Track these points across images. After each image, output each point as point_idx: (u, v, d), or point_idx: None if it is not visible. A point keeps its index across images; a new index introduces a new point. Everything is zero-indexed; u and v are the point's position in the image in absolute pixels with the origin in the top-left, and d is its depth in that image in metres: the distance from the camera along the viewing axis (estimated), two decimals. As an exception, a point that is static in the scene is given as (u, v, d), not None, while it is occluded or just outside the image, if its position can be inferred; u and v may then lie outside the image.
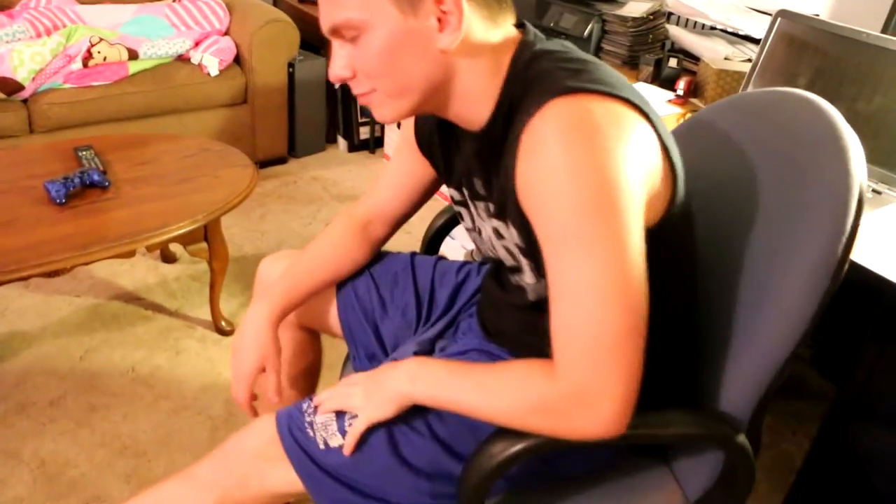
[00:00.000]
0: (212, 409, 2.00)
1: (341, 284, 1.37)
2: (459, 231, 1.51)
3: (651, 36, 2.20)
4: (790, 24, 1.75)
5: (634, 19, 2.16)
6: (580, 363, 0.88)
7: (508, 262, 1.08)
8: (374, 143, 3.56)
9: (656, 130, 0.92)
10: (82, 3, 3.09)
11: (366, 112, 3.51)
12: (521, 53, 0.95)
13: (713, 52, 2.04)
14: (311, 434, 1.09)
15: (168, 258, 2.64)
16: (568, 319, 0.88)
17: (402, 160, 1.30)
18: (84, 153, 2.17)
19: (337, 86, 3.43)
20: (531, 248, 0.97)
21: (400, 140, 1.29)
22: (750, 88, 1.80)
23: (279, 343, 1.26)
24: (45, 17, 2.94)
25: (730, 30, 2.05)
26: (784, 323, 1.02)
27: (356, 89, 0.97)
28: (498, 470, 0.98)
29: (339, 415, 1.10)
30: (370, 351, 1.37)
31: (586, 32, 2.27)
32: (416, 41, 0.91)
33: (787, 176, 1.08)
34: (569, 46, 0.99)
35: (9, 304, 2.38)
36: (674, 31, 2.18)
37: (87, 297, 2.44)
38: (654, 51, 2.20)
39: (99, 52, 2.83)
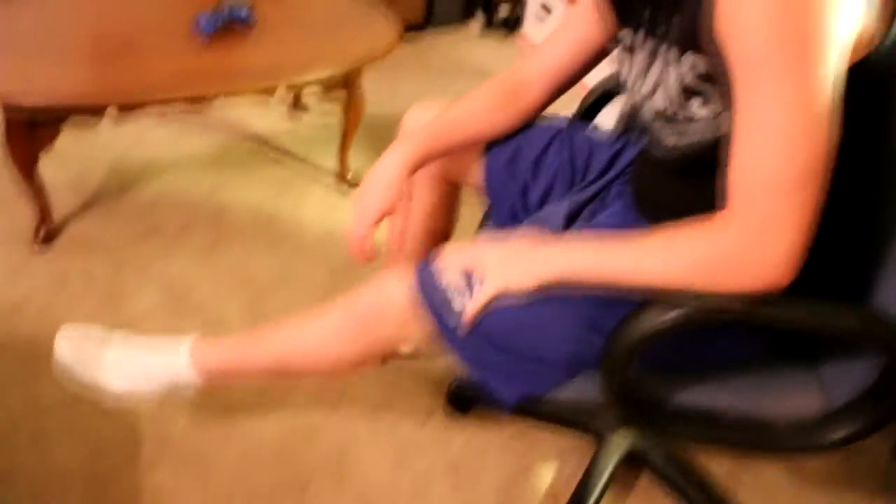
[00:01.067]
0: (331, 257, 2.02)
1: (491, 143, 1.33)
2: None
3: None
4: None
5: None
6: (756, 202, 0.85)
7: (671, 106, 0.99)
8: (513, 23, 3.44)
9: None
10: None
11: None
12: None
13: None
14: (444, 292, 1.07)
15: (300, 108, 2.64)
16: (750, 156, 0.85)
17: (572, 21, 1.22)
18: (233, -12, 2.15)
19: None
20: (715, 76, 0.91)
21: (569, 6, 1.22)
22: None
23: (409, 190, 1.23)
24: None
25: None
26: None
27: None
28: (645, 340, 0.96)
29: (468, 279, 1.07)
30: (514, 210, 1.33)
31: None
32: None
33: None
34: None
35: (145, 134, 2.44)
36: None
37: (218, 136, 2.48)
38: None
39: None
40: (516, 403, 1.13)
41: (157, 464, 1.48)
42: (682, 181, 1.03)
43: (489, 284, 1.04)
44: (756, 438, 1.14)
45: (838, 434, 1.09)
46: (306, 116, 2.64)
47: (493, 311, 1.05)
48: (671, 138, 1.03)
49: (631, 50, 1.06)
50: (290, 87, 2.06)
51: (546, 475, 1.55)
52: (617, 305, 1.00)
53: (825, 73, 0.81)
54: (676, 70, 0.95)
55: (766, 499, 1.54)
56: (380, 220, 1.20)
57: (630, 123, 1.33)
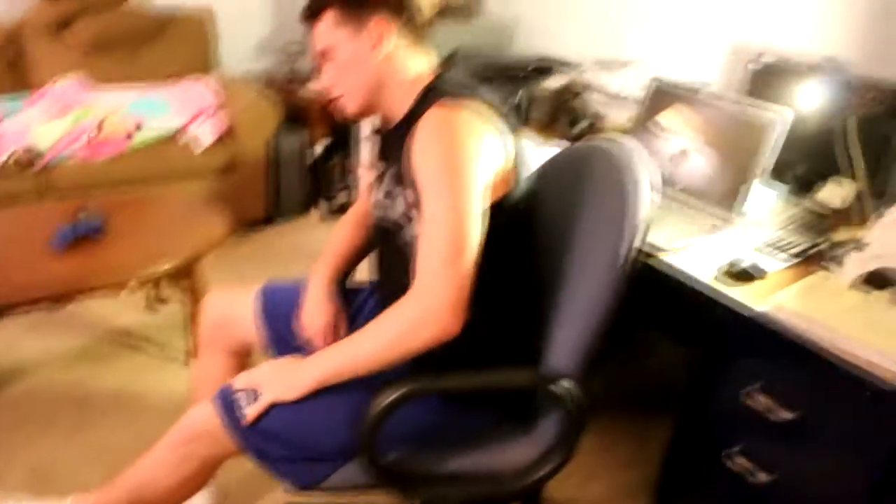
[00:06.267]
0: (186, 423, 2.30)
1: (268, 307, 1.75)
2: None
3: (569, 103, 2.58)
4: (661, 87, 2.14)
5: (553, 91, 2.56)
6: (425, 275, 1.29)
7: (402, 220, 1.45)
8: (349, 209, 3.91)
9: (504, 142, 1.38)
10: (93, 88, 3.53)
11: (342, 179, 3.92)
12: (435, 81, 1.44)
13: (617, 114, 2.41)
14: (236, 401, 1.43)
15: (160, 300, 2.98)
16: (423, 246, 1.30)
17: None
18: (86, 211, 2.52)
19: (316, 154, 3.86)
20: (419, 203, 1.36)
21: None
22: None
23: (338, 301, 1.69)
24: (62, 100, 3.38)
25: (632, 97, 2.43)
26: (592, 304, 1.40)
27: (331, 94, 1.49)
28: (384, 414, 1.31)
29: (255, 393, 1.44)
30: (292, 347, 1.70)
31: (516, 102, 2.66)
32: (360, 56, 1.44)
33: (595, 199, 1.47)
34: (468, 81, 1.45)
35: (13, 341, 2.72)
36: (589, 98, 2.56)
37: (83, 333, 2.78)
38: (571, 114, 2.58)
39: (106, 128, 3.26)
40: (302, 489, 1.44)
41: None
42: (393, 285, 1.46)
43: (264, 396, 1.40)
44: (490, 488, 1.48)
45: (546, 470, 1.47)
46: (166, 308, 2.97)
47: (272, 414, 1.40)
48: (401, 240, 1.46)
49: (381, 178, 1.54)
50: (139, 282, 2.41)
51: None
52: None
53: (469, 194, 1.29)
54: (402, 196, 1.43)
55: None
56: (329, 332, 1.64)
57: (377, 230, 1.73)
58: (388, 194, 1.49)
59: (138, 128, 3.36)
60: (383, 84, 1.46)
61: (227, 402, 1.43)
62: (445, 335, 1.28)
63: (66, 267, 2.27)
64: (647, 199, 1.40)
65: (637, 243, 1.38)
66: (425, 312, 1.28)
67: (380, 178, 1.55)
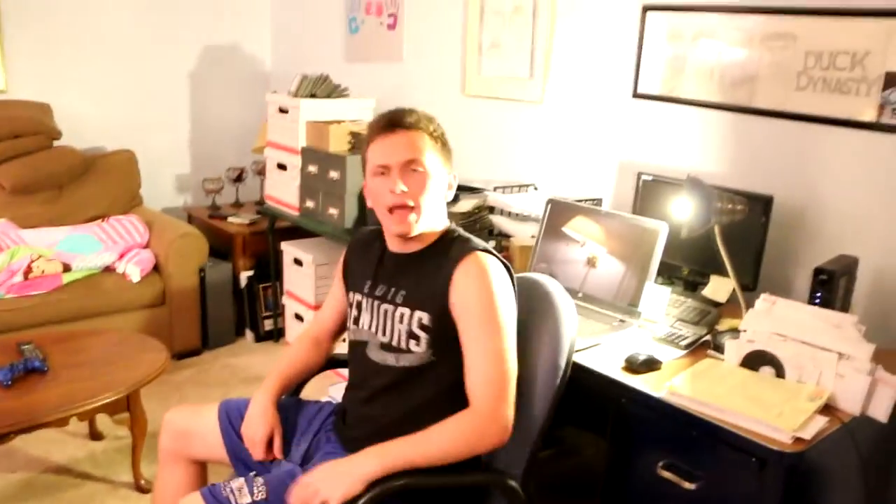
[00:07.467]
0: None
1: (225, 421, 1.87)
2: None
3: (478, 225, 2.84)
4: (558, 207, 2.43)
5: (462, 213, 2.82)
6: (489, 396, 1.57)
7: (401, 342, 1.67)
8: (278, 334, 4.11)
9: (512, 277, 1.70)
10: (24, 227, 3.67)
11: (269, 306, 4.10)
12: (451, 226, 1.75)
13: (522, 233, 2.68)
14: (226, 494, 1.56)
15: (95, 436, 3.04)
16: (481, 373, 1.59)
17: (334, 296, 1.94)
18: (26, 346, 2.63)
19: (243, 285, 4.04)
20: (435, 328, 1.64)
21: (333, 283, 1.95)
22: (535, 258, 2.44)
23: (278, 416, 1.81)
24: (-7, 240, 3.49)
25: (534, 215, 2.71)
26: (539, 409, 1.71)
27: (406, 201, 1.66)
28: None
29: (248, 480, 1.58)
30: (249, 463, 1.83)
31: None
32: (441, 186, 1.73)
33: (536, 323, 1.77)
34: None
35: (-47, 484, 2.72)
36: (496, 219, 2.83)
37: (22, 472, 2.81)
38: (480, 235, 2.83)
39: (38, 267, 3.39)
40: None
41: None
42: (377, 404, 1.70)
43: (324, 495, 1.51)
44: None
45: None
46: (102, 442, 3.03)
47: None
48: (390, 360, 1.69)
49: (359, 306, 1.78)
50: (80, 417, 2.50)
51: None
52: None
53: (512, 333, 1.62)
54: (405, 320, 1.67)
55: None
56: (265, 441, 1.76)
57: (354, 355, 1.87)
58: (388, 314, 1.72)
59: (69, 265, 3.48)
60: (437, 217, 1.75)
61: (217, 495, 1.56)
62: (501, 444, 1.59)
63: (10, 402, 2.35)
64: (574, 321, 1.76)
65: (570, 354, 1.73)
66: (490, 427, 1.57)
67: (359, 305, 1.78)
